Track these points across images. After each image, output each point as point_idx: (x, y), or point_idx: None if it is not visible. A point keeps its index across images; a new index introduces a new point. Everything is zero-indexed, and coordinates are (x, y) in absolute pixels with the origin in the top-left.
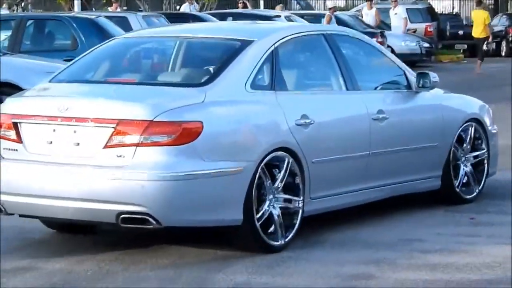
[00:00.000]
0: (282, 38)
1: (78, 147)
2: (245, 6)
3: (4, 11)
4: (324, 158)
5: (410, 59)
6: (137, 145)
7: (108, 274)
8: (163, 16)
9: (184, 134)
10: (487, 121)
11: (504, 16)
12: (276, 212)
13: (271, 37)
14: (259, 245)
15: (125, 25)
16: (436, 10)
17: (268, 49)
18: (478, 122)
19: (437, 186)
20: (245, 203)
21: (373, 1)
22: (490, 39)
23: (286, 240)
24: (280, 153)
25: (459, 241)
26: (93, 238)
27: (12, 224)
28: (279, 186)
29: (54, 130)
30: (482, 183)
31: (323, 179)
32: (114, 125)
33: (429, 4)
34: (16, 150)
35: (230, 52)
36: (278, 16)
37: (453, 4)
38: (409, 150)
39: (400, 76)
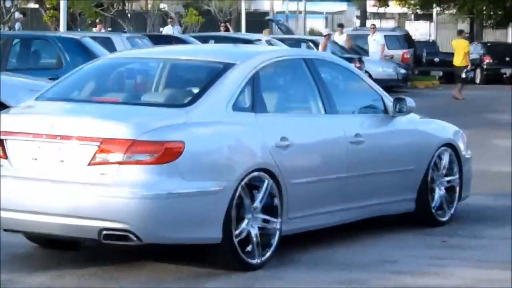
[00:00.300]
0: (264, 62)
1: (63, 163)
2: (227, 30)
3: None
4: (302, 180)
5: (387, 84)
6: (120, 163)
7: None
8: (146, 37)
9: (166, 154)
10: (461, 146)
11: (479, 44)
12: (254, 231)
13: (253, 60)
14: (237, 263)
15: (110, 46)
16: (413, 37)
17: (250, 72)
18: (452, 147)
19: (412, 209)
20: (224, 222)
21: (343, 28)
22: (469, 67)
23: (263, 258)
24: (259, 173)
25: (431, 263)
26: (74, 254)
27: None
28: (258, 206)
29: (39, 147)
30: (455, 206)
31: (301, 200)
32: (98, 143)
33: (407, 31)
34: (1, 165)
35: (213, 74)
36: (259, 40)
37: (429, 31)
38: (385, 173)
39: (377, 101)
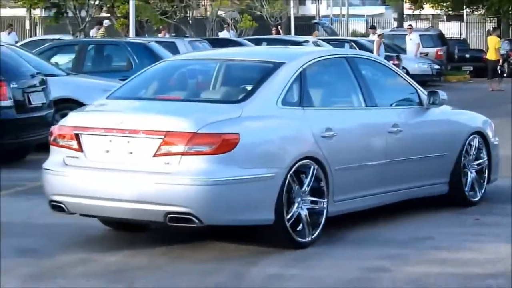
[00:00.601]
0: (309, 61)
1: (131, 155)
2: (278, 33)
3: (69, 37)
4: (345, 166)
5: (422, 79)
6: (182, 154)
7: (158, 267)
8: (206, 41)
9: (224, 145)
10: (489, 133)
11: (505, 41)
12: (304, 212)
13: (299, 59)
14: (288, 242)
15: (173, 49)
16: (445, 36)
17: (297, 70)
18: (481, 134)
19: (445, 191)
20: (276, 205)
21: (376, 29)
22: (500, 62)
23: (313, 237)
24: (307, 161)
25: (466, 239)
26: (144, 235)
27: (72, 222)
28: (306, 190)
29: (110, 141)
30: (484, 188)
31: (344, 184)
32: (162, 136)
33: (440, 30)
34: (78, 157)
35: (264, 72)
36: (307, 42)
37: (460, 30)
38: (420, 159)
39: (413, 94)
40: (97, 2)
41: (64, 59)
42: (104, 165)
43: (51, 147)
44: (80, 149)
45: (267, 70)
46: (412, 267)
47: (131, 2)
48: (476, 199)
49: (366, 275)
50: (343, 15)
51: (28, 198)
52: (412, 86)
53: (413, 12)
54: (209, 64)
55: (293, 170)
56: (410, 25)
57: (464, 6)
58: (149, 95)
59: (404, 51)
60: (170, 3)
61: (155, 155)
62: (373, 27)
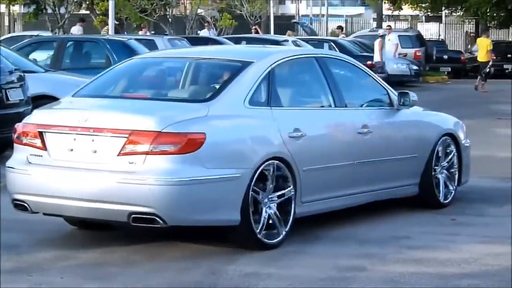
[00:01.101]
0: (278, 60)
1: (95, 154)
2: (257, 32)
3: (48, 34)
4: (313, 167)
5: (400, 80)
6: (147, 153)
7: (134, 264)
8: (185, 39)
9: (189, 144)
10: (460, 135)
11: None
12: (271, 213)
13: (268, 59)
14: (254, 243)
15: (153, 47)
16: (424, 37)
17: (265, 69)
18: (452, 136)
19: (416, 192)
20: (242, 206)
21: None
22: (491, 63)
23: (279, 239)
24: (274, 161)
25: (441, 239)
26: (119, 233)
27: (49, 219)
28: (273, 190)
29: (74, 139)
30: (455, 189)
31: (312, 186)
32: (127, 135)
33: (418, 31)
34: (41, 156)
35: (232, 72)
36: (286, 41)
37: (439, 31)
38: (390, 160)
39: (383, 95)
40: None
41: (42, 56)
42: (68, 163)
43: (15, 145)
44: (44, 147)
45: (235, 69)
46: (388, 266)
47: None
48: (447, 201)
49: (342, 273)
50: (323, 15)
51: (6, 194)
52: (383, 87)
53: (392, 12)
54: (177, 62)
55: (260, 170)
56: (389, 25)
57: (443, 8)
58: (116, 93)
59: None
60: (149, 0)
61: (119, 154)
62: (340, 27)
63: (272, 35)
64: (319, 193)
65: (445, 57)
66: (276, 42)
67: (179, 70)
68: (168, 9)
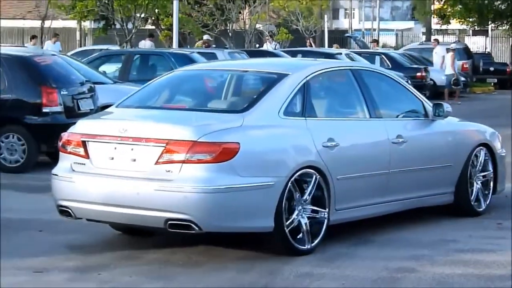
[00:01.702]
0: (314, 73)
1: (135, 162)
2: (311, 45)
3: (116, 47)
4: (347, 176)
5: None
6: (183, 162)
7: (197, 264)
8: (244, 52)
9: (223, 153)
10: (496, 145)
11: None
12: (304, 221)
13: (304, 71)
14: (288, 249)
15: (214, 60)
16: (471, 50)
17: (300, 81)
18: (488, 146)
19: (451, 201)
20: (276, 213)
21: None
22: None
23: (313, 245)
24: (308, 170)
25: (488, 243)
26: (182, 235)
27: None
28: (307, 198)
29: (115, 148)
30: (489, 198)
31: (346, 193)
32: (164, 145)
33: (466, 44)
34: (84, 164)
35: (268, 83)
36: (340, 54)
37: (485, 44)
38: (425, 169)
39: (418, 106)
40: (143, 15)
41: (111, 68)
42: (109, 171)
43: (60, 153)
44: (87, 155)
45: (271, 81)
46: (437, 268)
47: (174, 15)
48: (481, 209)
49: (393, 274)
50: (374, 29)
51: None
52: (418, 98)
53: (440, 26)
54: (217, 75)
55: (293, 178)
56: (436, 39)
57: (489, 22)
58: (156, 104)
59: (431, 63)
60: (211, 16)
61: (157, 163)
62: (375, 41)
63: (326, 49)
64: (353, 201)
65: (491, 69)
66: (330, 55)
67: (218, 82)
68: (228, 24)
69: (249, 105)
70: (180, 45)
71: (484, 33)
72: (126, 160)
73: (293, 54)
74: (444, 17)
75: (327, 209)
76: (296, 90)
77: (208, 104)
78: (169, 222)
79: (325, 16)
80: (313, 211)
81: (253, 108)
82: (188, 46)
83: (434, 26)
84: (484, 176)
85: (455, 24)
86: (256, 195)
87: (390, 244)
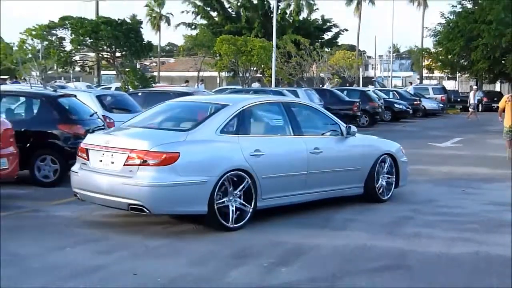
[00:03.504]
0: (248, 104)
1: (113, 164)
2: (351, 85)
3: (239, 87)
4: (271, 175)
5: (433, 112)
6: (139, 165)
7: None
8: (314, 90)
9: (167, 159)
10: (398, 155)
11: (481, 92)
12: (232, 207)
13: (241, 103)
14: (218, 226)
15: (295, 94)
16: (446, 88)
17: (236, 110)
18: (391, 155)
19: (360, 192)
20: (209, 201)
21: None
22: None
23: (240, 224)
24: (236, 172)
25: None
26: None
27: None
28: (237, 191)
29: (102, 154)
30: (392, 191)
31: (270, 187)
32: (128, 153)
33: (443, 85)
34: (86, 164)
35: (213, 111)
36: (368, 90)
37: (455, 85)
38: (338, 171)
39: (336, 127)
40: (254, 68)
41: None
42: (98, 170)
43: (77, 157)
44: (87, 158)
45: (216, 109)
46: (426, 216)
47: (273, 68)
48: (385, 198)
49: (400, 220)
50: (389, 76)
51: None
52: (335, 122)
53: (428, 74)
54: (186, 105)
55: (225, 177)
56: (410, 82)
57: (457, 72)
58: (139, 124)
59: (423, 96)
60: (294, 69)
61: (124, 165)
62: (410, 83)
63: (360, 87)
64: (277, 192)
65: (458, 99)
66: (362, 91)
67: (185, 110)
68: (303, 73)
69: (194, 126)
70: (276, 85)
71: (454, 78)
72: (108, 162)
73: (341, 91)
74: (430, 69)
75: (253, 200)
76: (232, 116)
77: (171, 125)
78: (130, 206)
79: (360, 68)
80: (241, 201)
81: (196, 128)
82: (280, 86)
83: (425, 74)
84: (388, 176)
85: (437, 73)
86: (192, 188)
87: (397, 202)
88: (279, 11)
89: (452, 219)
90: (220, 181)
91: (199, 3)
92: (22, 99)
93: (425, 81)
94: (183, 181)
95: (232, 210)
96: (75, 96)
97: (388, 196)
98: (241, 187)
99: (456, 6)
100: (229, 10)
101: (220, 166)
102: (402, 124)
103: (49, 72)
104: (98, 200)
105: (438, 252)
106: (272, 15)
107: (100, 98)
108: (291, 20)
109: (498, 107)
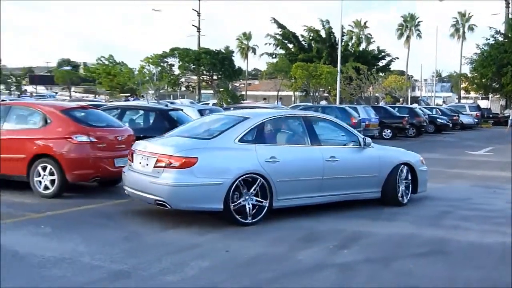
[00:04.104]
0: (268, 117)
1: (147, 166)
2: (402, 103)
3: (310, 104)
4: (285, 179)
5: (469, 126)
6: (164, 167)
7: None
8: (370, 107)
9: (186, 163)
10: (415, 164)
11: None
12: (248, 206)
13: (261, 116)
14: (233, 222)
15: (355, 110)
16: (480, 106)
17: (256, 122)
18: (409, 164)
19: (378, 197)
20: (224, 200)
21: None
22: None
23: (254, 220)
24: (251, 175)
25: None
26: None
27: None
28: (252, 192)
29: (142, 157)
30: (409, 195)
31: (286, 190)
32: (157, 157)
33: (478, 104)
34: (131, 165)
35: (234, 122)
36: (415, 107)
37: (488, 104)
38: (354, 177)
39: (354, 139)
40: (322, 89)
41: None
42: (137, 170)
43: (128, 160)
44: (132, 161)
45: (237, 121)
46: (463, 211)
47: (337, 88)
48: (404, 202)
49: (441, 214)
50: (432, 96)
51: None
52: (354, 134)
53: (465, 94)
54: (219, 117)
55: (238, 180)
56: (444, 101)
57: (490, 93)
58: (177, 134)
59: (461, 112)
60: (354, 90)
61: (154, 167)
62: (424, 101)
63: (409, 105)
64: (292, 194)
65: (490, 116)
66: (411, 109)
67: (217, 121)
68: (362, 93)
69: (216, 135)
70: (340, 103)
71: (487, 98)
72: (144, 164)
73: (393, 108)
74: (467, 91)
75: (268, 200)
76: (251, 128)
77: (199, 134)
78: (156, 201)
79: (408, 89)
80: (257, 200)
81: (218, 137)
82: (343, 103)
83: (462, 95)
84: (406, 182)
85: (472, 94)
86: (209, 188)
87: (434, 200)
88: (343, 43)
89: (484, 214)
90: (236, 183)
91: (278, 37)
92: (141, 112)
93: (462, 100)
94: (200, 182)
95: (249, 208)
96: (181, 110)
97: (407, 200)
98: (254, 186)
99: (489, 39)
100: (303, 42)
101: (235, 170)
102: (443, 135)
103: (162, 91)
104: (137, 196)
105: (472, 241)
106: (337, 46)
107: (200, 111)
108: (352, 50)
109: None
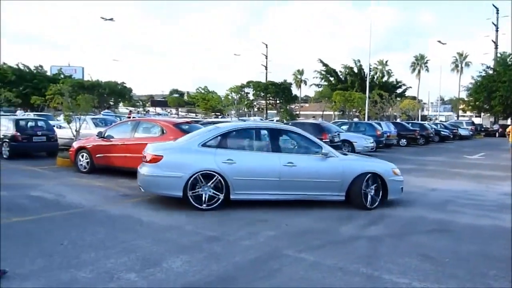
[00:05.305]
0: (233, 128)
1: (142, 162)
2: (413, 120)
3: (346, 120)
4: (241, 178)
5: (466, 137)
6: (144, 162)
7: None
8: (390, 122)
9: (154, 159)
10: (385, 173)
11: (497, 124)
12: (205, 195)
13: (227, 128)
14: (191, 206)
15: (379, 125)
16: (475, 122)
17: (221, 132)
18: (376, 174)
19: (342, 199)
20: (183, 189)
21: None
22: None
23: (210, 207)
24: (208, 172)
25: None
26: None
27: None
28: (209, 184)
29: (144, 156)
30: (377, 202)
31: (241, 186)
32: (144, 155)
33: (473, 120)
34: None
35: (207, 131)
36: (424, 123)
37: (480, 121)
38: (312, 181)
39: (317, 149)
40: (354, 109)
41: (344, 127)
42: (142, 166)
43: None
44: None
45: (208, 130)
46: (461, 200)
47: (366, 108)
48: (373, 206)
49: (444, 202)
50: (437, 114)
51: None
52: (319, 145)
53: (462, 113)
54: (207, 128)
55: (196, 175)
56: (435, 118)
57: (482, 113)
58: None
59: (459, 127)
60: (378, 110)
61: (142, 162)
62: (431, 118)
63: (419, 121)
64: (248, 190)
65: (482, 129)
66: (421, 124)
67: (204, 131)
68: (384, 113)
69: (186, 139)
70: (368, 119)
71: (479, 116)
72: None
73: (407, 123)
74: (464, 111)
75: (223, 192)
76: (215, 136)
77: (186, 140)
78: (139, 186)
79: (419, 110)
80: (214, 192)
81: (185, 140)
82: (371, 120)
83: (460, 114)
84: (375, 190)
85: (468, 113)
86: (171, 180)
87: (438, 192)
88: (370, 76)
89: (478, 203)
90: (192, 178)
91: (323, 72)
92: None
93: (460, 118)
94: (163, 175)
95: (205, 197)
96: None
97: (375, 205)
98: (212, 181)
99: (481, 72)
100: (340, 76)
101: (193, 168)
102: (446, 144)
103: (240, 111)
104: (138, 188)
105: (469, 223)
106: (366, 79)
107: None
108: (377, 81)
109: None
